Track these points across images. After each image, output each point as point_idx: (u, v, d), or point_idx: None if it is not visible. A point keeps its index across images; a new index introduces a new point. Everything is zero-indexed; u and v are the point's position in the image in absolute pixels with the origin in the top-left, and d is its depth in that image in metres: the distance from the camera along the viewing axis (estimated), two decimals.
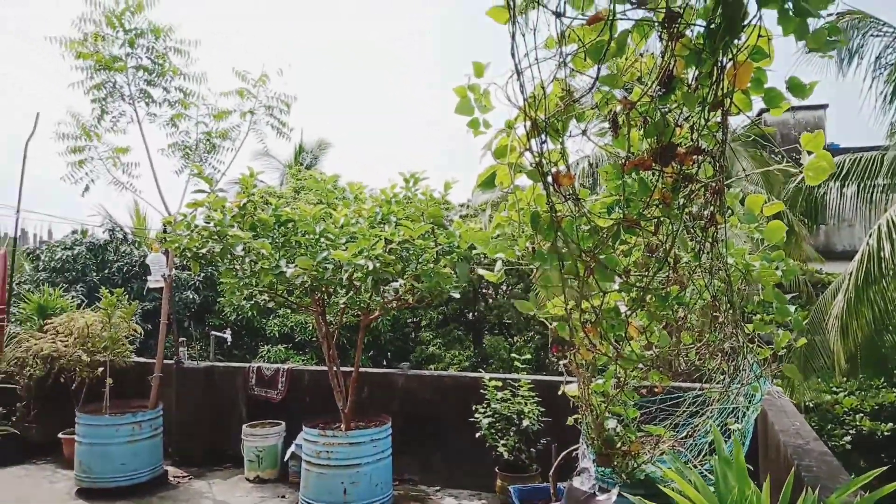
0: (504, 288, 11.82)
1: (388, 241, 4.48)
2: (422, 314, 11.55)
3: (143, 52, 6.27)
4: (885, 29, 7.38)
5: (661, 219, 2.23)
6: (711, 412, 3.29)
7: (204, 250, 4.68)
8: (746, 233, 3.10)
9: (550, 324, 3.03)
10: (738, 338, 2.89)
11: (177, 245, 4.79)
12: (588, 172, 11.01)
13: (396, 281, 4.79)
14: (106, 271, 10.20)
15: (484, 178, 2.32)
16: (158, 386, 6.32)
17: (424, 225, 4.48)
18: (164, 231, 6.17)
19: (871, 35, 7.43)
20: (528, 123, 2.11)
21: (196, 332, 10.62)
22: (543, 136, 2.11)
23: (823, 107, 16.56)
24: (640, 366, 2.98)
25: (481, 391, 5.63)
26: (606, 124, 2.21)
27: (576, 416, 3.56)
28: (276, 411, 6.69)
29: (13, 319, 7.30)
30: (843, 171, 7.97)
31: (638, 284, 2.46)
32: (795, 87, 1.93)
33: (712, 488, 2.16)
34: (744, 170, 9.27)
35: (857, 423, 7.97)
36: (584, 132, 2.24)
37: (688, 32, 1.95)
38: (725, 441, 2.78)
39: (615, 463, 3.15)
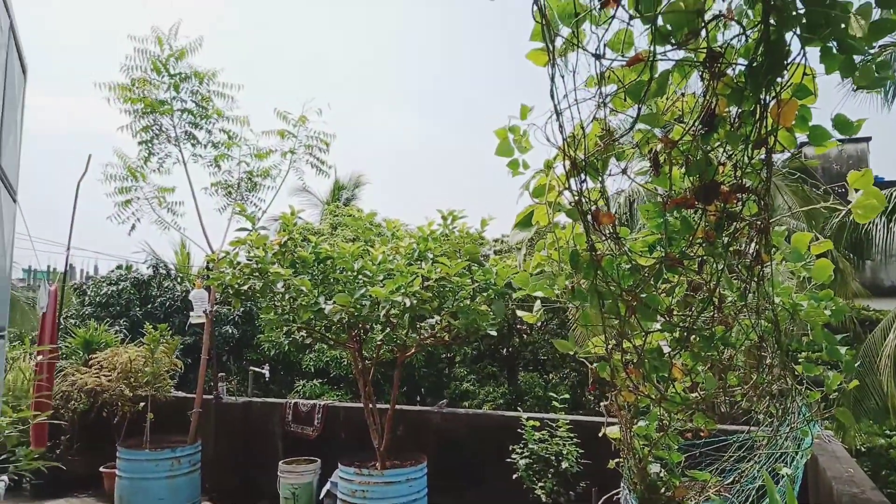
0: (539, 324, 11.69)
1: (425, 278, 4.49)
2: (455, 349, 11.47)
3: (188, 96, 6.52)
4: None
5: (705, 257, 2.19)
6: (759, 457, 3.17)
7: (246, 287, 4.77)
8: (790, 270, 3.03)
9: (591, 364, 2.98)
10: (786, 379, 2.79)
11: (219, 282, 4.89)
12: (624, 207, 10.92)
13: (433, 317, 4.79)
14: (149, 306, 10.45)
15: (522, 218, 2.33)
16: (197, 421, 6.38)
17: (461, 262, 4.49)
18: (207, 268, 6.32)
19: None
20: (567, 162, 2.11)
21: (234, 367, 10.74)
22: (583, 175, 2.12)
23: (867, 139, 16.18)
24: (685, 408, 2.90)
25: (518, 431, 5.53)
26: (647, 162, 2.20)
27: (617, 459, 3.46)
28: (312, 448, 6.67)
29: (60, 353, 7.50)
30: (890, 206, 7.74)
31: (681, 324, 2.41)
32: (842, 124, 1.90)
33: None
34: (788, 207, 9.08)
35: None
36: (623, 171, 2.24)
37: (729, 71, 1.95)
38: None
39: None
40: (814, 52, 1.83)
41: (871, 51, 1.82)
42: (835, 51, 1.78)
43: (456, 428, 6.22)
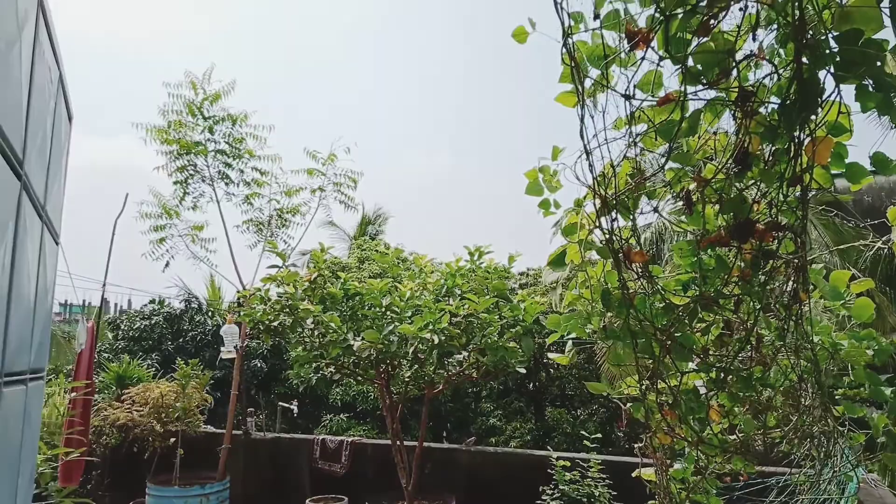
0: None
1: (453, 314, 4.48)
2: (482, 384, 11.35)
3: (222, 137, 6.71)
4: None
5: (741, 296, 2.15)
6: (801, 502, 3.05)
7: (276, 323, 4.82)
8: (828, 307, 2.95)
9: (625, 404, 2.92)
10: (827, 421, 2.69)
11: (251, 318, 4.95)
12: (651, 242, 10.81)
13: (461, 353, 4.76)
14: (180, 340, 10.59)
15: (554, 257, 2.32)
16: (226, 457, 6.39)
17: (489, 298, 4.48)
18: (238, 303, 6.40)
19: None
20: (598, 201, 2.11)
21: (262, 401, 10.77)
22: (614, 214, 2.11)
23: None
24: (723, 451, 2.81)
25: (548, 470, 5.41)
26: (677, 199, 2.19)
27: (652, 502, 3.36)
28: (339, 485, 6.61)
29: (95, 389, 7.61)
30: None
31: (718, 364, 2.35)
32: (880, 162, 1.86)
33: None
34: (824, 241, 8.89)
35: None
36: (655, 209, 2.23)
37: (762, 109, 1.93)
38: None
39: None
40: (849, 89, 1.81)
41: None
42: (871, 89, 1.76)
43: (484, 466, 6.11)
